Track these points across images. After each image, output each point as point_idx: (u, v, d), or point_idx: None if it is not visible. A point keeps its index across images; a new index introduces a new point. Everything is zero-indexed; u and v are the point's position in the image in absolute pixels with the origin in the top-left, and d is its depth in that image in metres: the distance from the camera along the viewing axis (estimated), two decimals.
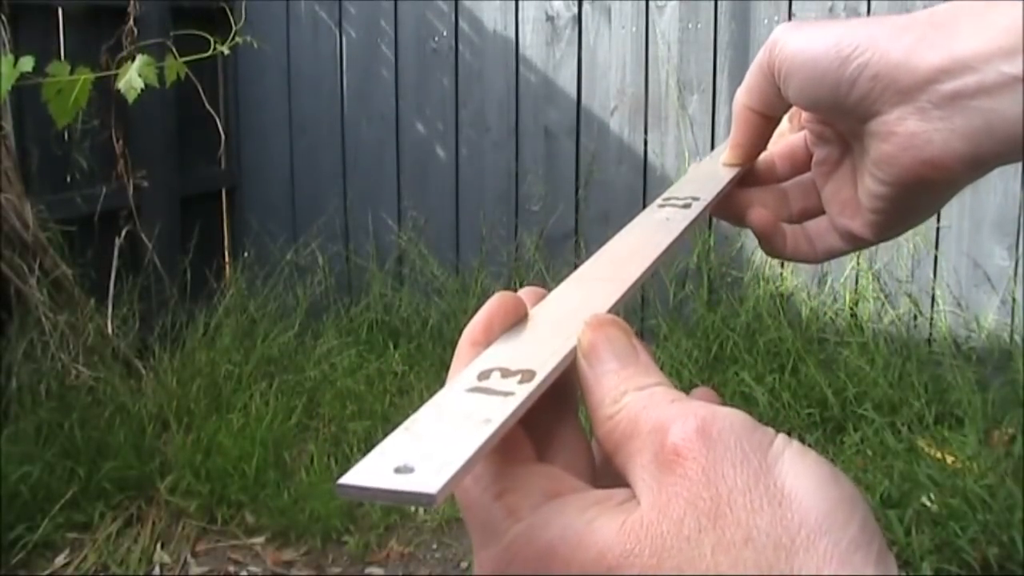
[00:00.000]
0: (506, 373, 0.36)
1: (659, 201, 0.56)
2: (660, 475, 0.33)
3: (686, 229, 0.53)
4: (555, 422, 0.39)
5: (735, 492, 0.32)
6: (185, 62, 2.26)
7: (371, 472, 0.31)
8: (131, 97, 2.17)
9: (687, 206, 0.55)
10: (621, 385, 0.36)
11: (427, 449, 0.32)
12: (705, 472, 0.32)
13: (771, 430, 0.34)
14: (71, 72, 2.01)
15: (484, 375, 0.36)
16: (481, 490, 0.35)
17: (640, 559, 0.32)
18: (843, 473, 0.34)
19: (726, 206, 0.60)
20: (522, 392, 0.35)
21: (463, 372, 0.37)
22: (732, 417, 0.34)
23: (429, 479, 0.30)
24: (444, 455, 0.31)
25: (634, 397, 0.36)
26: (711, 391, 0.41)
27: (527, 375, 0.36)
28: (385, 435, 0.34)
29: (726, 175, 0.60)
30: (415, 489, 0.30)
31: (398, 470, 0.31)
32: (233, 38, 2.35)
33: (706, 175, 0.60)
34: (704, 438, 0.33)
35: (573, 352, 0.38)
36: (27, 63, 1.96)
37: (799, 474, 0.32)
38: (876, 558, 0.32)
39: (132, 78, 2.13)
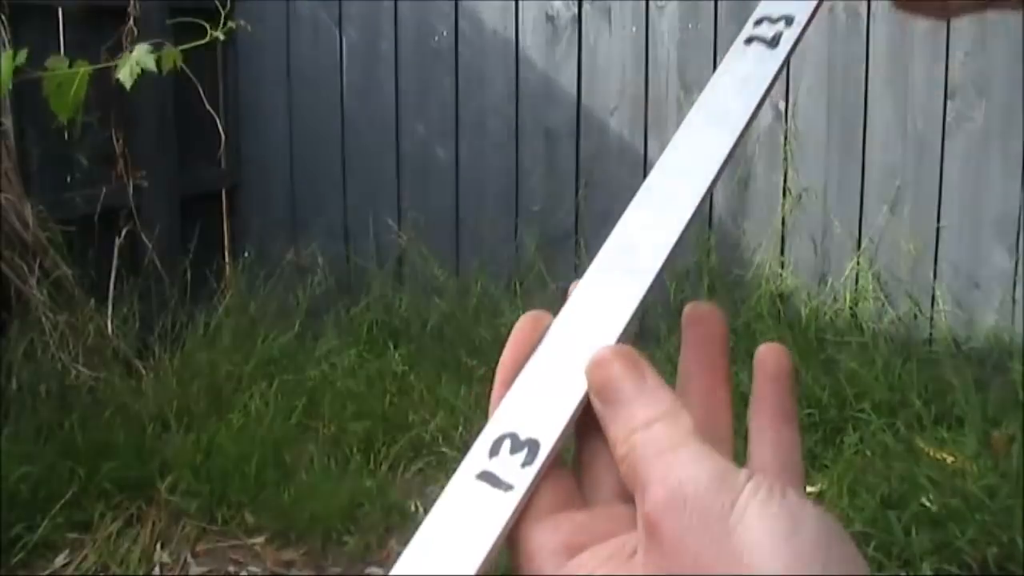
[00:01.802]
0: (515, 444, 0.39)
1: (748, 27, 0.50)
2: (647, 538, 0.35)
3: (771, 83, 0.47)
4: (599, 437, 0.40)
5: (699, 562, 0.33)
6: (182, 50, 2.26)
7: None
8: (129, 84, 2.16)
9: (775, 41, 0.49)
10: (629, 424, 0.37)
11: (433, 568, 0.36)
12: (673, 542, 0.34)
13: (740, 480, 0.35)
14: (70, 66, 2.01)
15: (496, 447, 0.39)
16: (515, 552, 0.38)
17: None
18: (811, 513, 0.34)
19: None
20: (521, 483, 0.38)
21: (476, 445, 0.40)
22: (699, 479, 0.35)
23: None
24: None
25: (639, 439, 0.37)
26: (778, 352, 0.43)
27: (532, 449, 0.39)
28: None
29: None
30: None
31: None
32: (227, 23, 2.35)
33: None
34: (670, 509, 0.34)
35: (583, 403, 0.39)
36: (21, 55, 1.96)
37: (757, 534, 0.33)
38: None
39: (131, 67, 2.13)
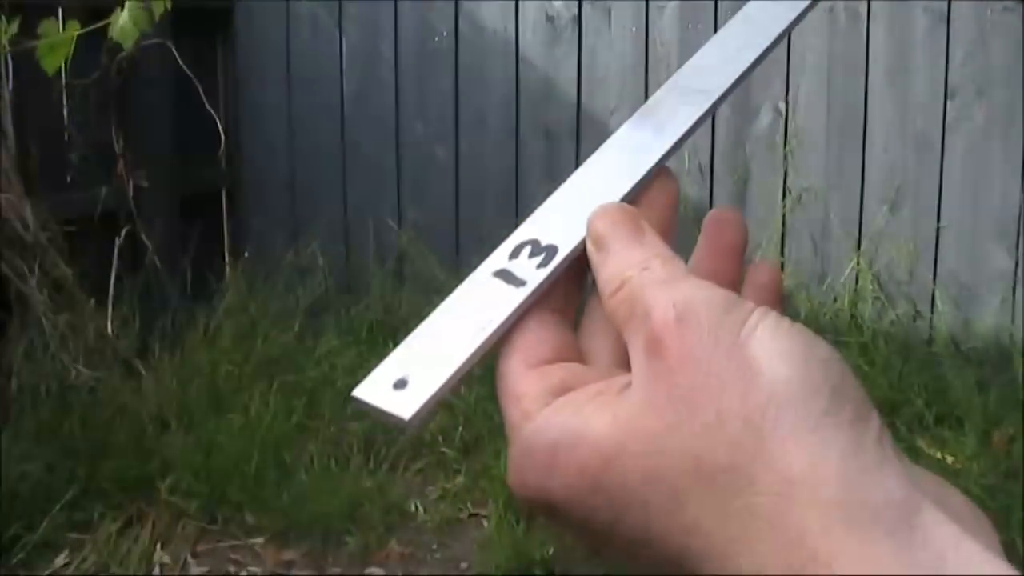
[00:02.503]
0: (535, 249, 0.40)
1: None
2: (648, 361, 0.34)
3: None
4: (592, 300, 0.41)
5: (709, 375, 0.33)
6: (183, 46, 2.24)
7: (375, 385, 0.37)
8: (127, 42, 2.14)
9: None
10: (623, 264, 0.38)
11: (426, 359, 0.38)
12: (681, 358, 0.33)
13: (749, 304, 0.35)
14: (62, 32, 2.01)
15: (517, 251, 0.41)
16: (504, 396, 0.38)
17: (629, 452, 0.34)
18: (821, 340, 0.34)
19: None
20: (534, 280, 0.39)
21: (499, 249, 0.41)
22: (711, 298, 0.35)
23: (408, 403, 0.37)
24: (431, 373, 0.37)
25: (634, 276, 0.37)
26: (767, 269, 0.44)
27: (550, 253, 0.40)
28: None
29: None
30: (396, 413, 0.36)
31: (396, 384, 0.37)
32: (230, 21, 2.34)
33: None
34: (681, 324, 0.34)
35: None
36: (14, 26, 1.97)
37: (770, 347, 0.33)
38: (849, 423, 0.32)
39: (124, 25, 2.10)
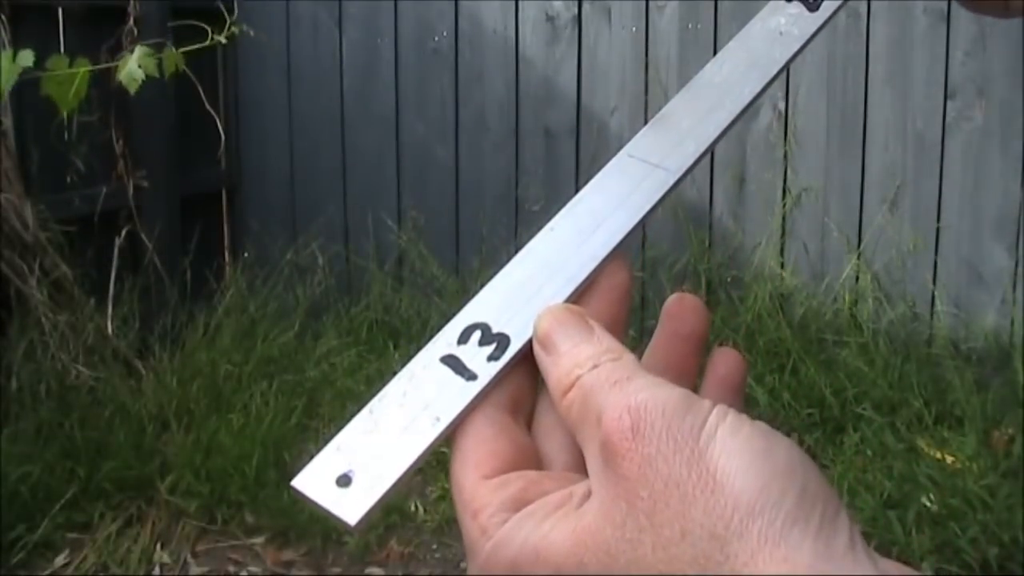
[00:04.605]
0: (486, 336, 0.38)
1: None
2: (604, 470, 0.33)
3: (804, 44, 0.45)
4: (545, 399, 0.39)
5: (669, 486, 0.32)
6: (184, 52, 2.25)
7: (316, 478, 0.35)
8: (132, 88, 2.15)
9: (817, 3, 0.47)
10: (572, 363, 0.36)
11: (372, 452, 0.36)
12: (640, 468, 0.32)
13: (706, 405, 0.33)
14: (70, 65, 2.01)
15: (466, 335, 0.38)
16: (462, 510, 0.37)
17: (590, 568, 0.32)
18: (781, 438, 0.33)
19: None
20: (485, 375, 0.37)
21: (446, 329, 0.39)
22: (666, 402, 0.33)
23: (353, 505, 0.35)
24: (378, 472, 0.35)
25: (584, 375, 0.36)
26: (730, 358, 0.41)
27: (502, 344, 0.38)
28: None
29: None
30: (340, 516, 0.35)
31: (340, 480, 0.35)
32: (230, 27, 2.34)
33: None
34: (636, 433, 0.33)
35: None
36: (27, 57, 1.96)
37: (731, 454, 0.32)
38: (816, 529, 0.31)
39: (132, 69, 2.12)
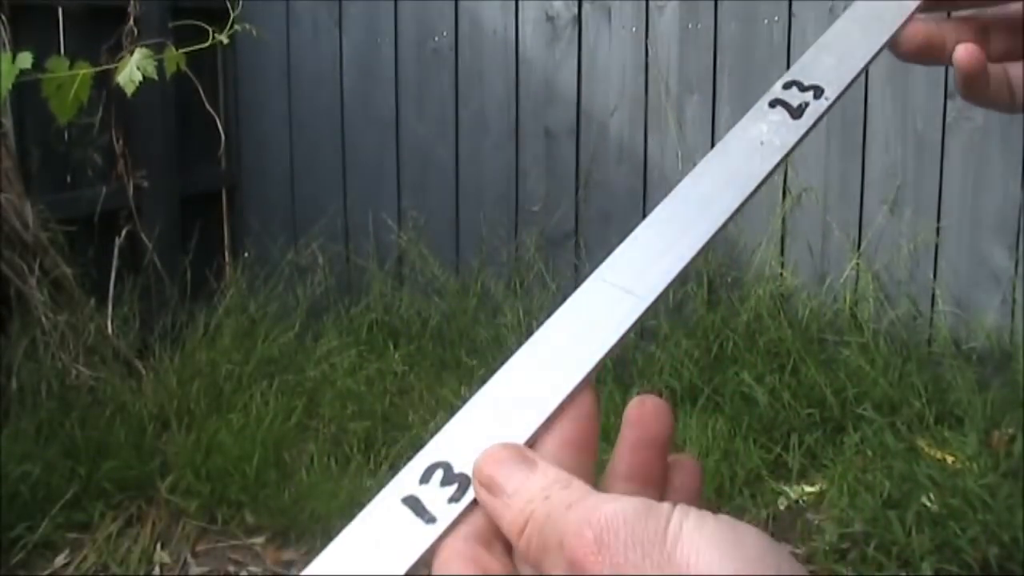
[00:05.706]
0: (447, 476, 0.37)
1: (777, 90, 0.47)
2: None
3: (786, 154, 0.44)
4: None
5: None
6: (185, 52, 2.25)
7: None
8: (130, 90, 2.15)
9: (800, 111, 0.46)
10: (523, 500, 0.36)
11: None
12: None
13: (665, 507, 0.33)
14: (70, 68, 2.00)
15: (427, 475, 0.38)
16: None
17: None
18: (748, 528, 0.33)
19: (920, 43, 0.50)
20: (445, 518, 0.36)
21: (409, 467, 0.38)
22: (625, 510, 0.33)
23: None
24: None
25: (537, 508, 0.35)
26: (688, 468, 0.40)
27: (462, 485, 0.37)
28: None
29: (893, 19, 0.47)
30: None
31: None
32: (232, 26, 2.34)
33: (863, 26, 0.47)
34: (601, 545, 0.32)
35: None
36: (25, 59, 1.95)
37: (701, 549, 0.32)
38: None
39: (131, 71, 2.12)
